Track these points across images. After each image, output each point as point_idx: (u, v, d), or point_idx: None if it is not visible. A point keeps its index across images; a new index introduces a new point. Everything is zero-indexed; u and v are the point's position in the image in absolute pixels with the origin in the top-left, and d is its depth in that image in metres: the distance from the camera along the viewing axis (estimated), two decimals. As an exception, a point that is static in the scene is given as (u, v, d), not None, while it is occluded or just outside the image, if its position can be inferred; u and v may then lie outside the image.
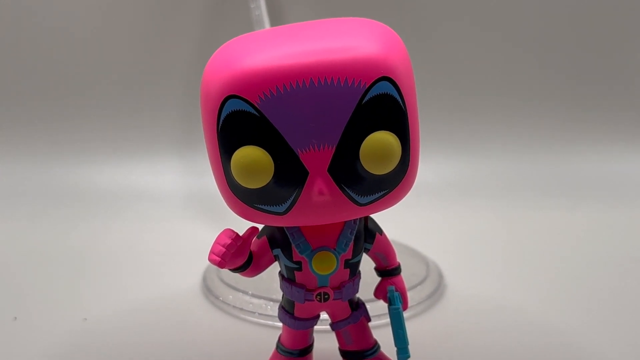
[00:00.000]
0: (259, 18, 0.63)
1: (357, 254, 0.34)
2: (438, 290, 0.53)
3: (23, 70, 0.85)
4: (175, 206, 0.79)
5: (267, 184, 0.29)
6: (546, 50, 0.86)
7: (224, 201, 0.32)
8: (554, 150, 0.87)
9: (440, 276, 0.55)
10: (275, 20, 0.67)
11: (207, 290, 0.52)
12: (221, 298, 0.50)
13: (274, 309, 0.46)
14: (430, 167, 0.82)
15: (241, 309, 0.49)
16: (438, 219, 0.74)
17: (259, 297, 0.49)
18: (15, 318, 0.49)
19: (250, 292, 0.49)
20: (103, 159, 0.85)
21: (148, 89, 0.85)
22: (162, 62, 0.84)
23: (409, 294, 0.48)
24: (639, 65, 0.87)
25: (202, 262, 0.57)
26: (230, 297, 0.50)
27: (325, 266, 0.33)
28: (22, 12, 0.82)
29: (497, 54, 0.86)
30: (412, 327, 0.46)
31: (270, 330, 0.46)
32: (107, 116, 0.86)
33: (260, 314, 0.48)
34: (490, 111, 0.87)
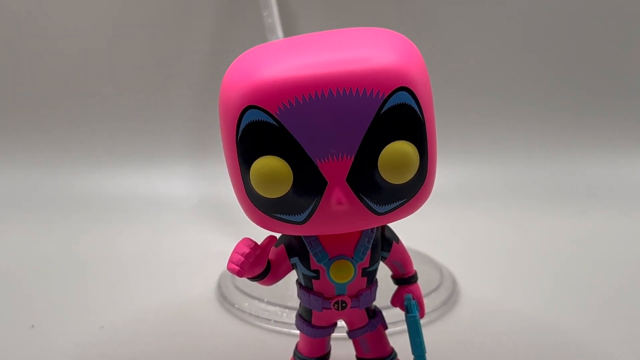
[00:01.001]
0: (272, 26, 0.63)
1: (374, 262, 0.34)
2: (452, 297, 0.53)
3: (35, 77, 0.85)
4: (188, 212, 0.80)
5: (286, 193, 0.29)
6: (554, 56, 0.86)
7: (240, 209, 0.32)
8: (566, 155, 0.87)
9: (454, 283, 0.55)
10: (288, 28, 0.67)
11: (222, 297, 0.53)
12: (236, 305, 0.51)
13: (289, 316, 0.47)
14: (442, 174, 0.81)
15: (257, 317, 0.49)
16: (450, 225, 0.74)
17: (275, 305, 0.49)
18: (33, 326, 0.49)
19: (265, 300, 0.49)
20: (116, 165, 0.86)
21: (160, 96, 0.86)
22: (174, 69, 0.85)
23: (424, 301, 0.48)
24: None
25: (217, 268, 0.57)
26: (246, 304, 0.50)
27: (342, 275, 0.33)
28: (36, 19, 0.83)
29: (505, 60, 0.86)
30: (427, 334, 0.45)
31: (286, 338, 0.46)
32: (119, 123, 0.86)
33: (275, 321, 0.48)
34: (501, 117, 0.87)
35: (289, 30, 0.68)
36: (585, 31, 0.85)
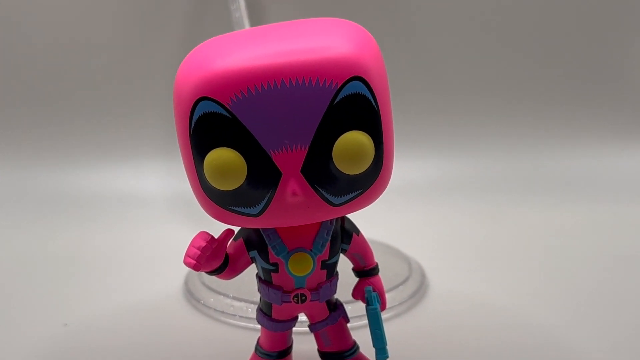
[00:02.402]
0: (239, 20, 0.63)
1: (333, 254, 0.34)
2: (420, 290, 0.53)
3: (5, 75, 0.84)
4: (159, 210, 0.79)
5: (241, 185, 0.29)
6: (528, 48, 0.86)
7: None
8: (536, 148, 0.88)
9: (422, 276, 0.55)
10: (256, 22, 0.67)
11: (189, 293, 0.52)
12: (202, 301, 0.50)
13: (254, 312, 0.46)
14: (412, 167, 0.82)
15: (222, 312, 0.49)
16: (420, 218, 0.74)
17: (240, 300, 0.49)
18: (-4, 324, 0.49)
19: (231, 295, 0.49)
20: (86, 163, 0.85)
21: (130, 93, 0.85)
22: (144, 66, 0.84)
23: (391, 294, 0.48)
24: (622, 63, 0.88)
25: (184, 265, 0.56)
26: (212, 300, 0.50)
27: (301, 267, 0.33)
28: (3, 17, 0.82)
29: (478, 53, 0.86)
30: (394, 327, 0.46)
31: (251, 333, 0.45)
32: (90, 120, 0.85)
33: (241, 316, 0.48)
34: (473, 110, 0.87)
35: (257, 24, 0.67)
36: (562, 22, 0.86)
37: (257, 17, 0.74)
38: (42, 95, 0.85)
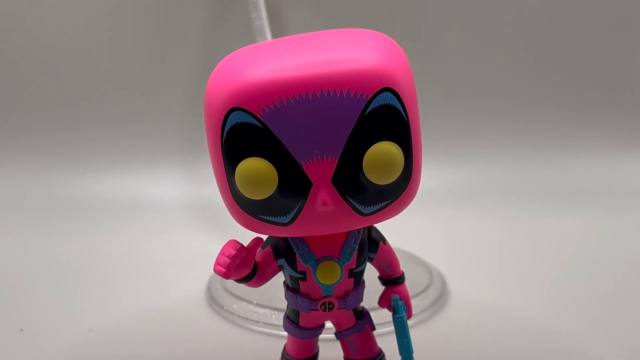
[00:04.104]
0: (260, 28, 0.63)
1: (361, 263, 0.34)
2: (441, 298, 0.53)
3: (22, 81, 0.85)
4: (178, 215, 0.79)
5: (271, 195, 0.29)
6: (543, 56, 0.86)
7: (227, 212, 0.32)
8: (554, 155, 0.88)
9: (443, 283, 0.55)
10: (276, 31, 0.67)
11: (212, 299, 0.53)
12: (226, 307, 0.51)
13: (278, 318, 0.47)
14: (432, 174, 0.82)
15: (246, 319, 0.49)
16: (440, 226, 0.74)
17: (264, 307, 0.49)
18: (22, 330, 0.49)
19: (254, 302, 0.49)
20: (105, 169, 0.86)
21: (149, 99, 0.85)
22: (163, 72, 0.84)
23: (413, 302, 0.47)
24: (635, 72, 0.88)
25: (206, 271, 0.57)
26: (235, 306, 0.50)
27: (329, 276, 0.33)
28: (22, 22, 0.83)
29: (494, 61, 0.86)
30: (416, 335, 0.46)
31: (275, 340, 0.46)
32: (108, 126, 0.86)
33: (265, 323, 0.48)
34: (490, 118, 0.87)
35: (278, 32, 0.68)
36: (572, 31, 0.86)
37: (277, 26, 0.74)
38: (60, 101, 0.85)
